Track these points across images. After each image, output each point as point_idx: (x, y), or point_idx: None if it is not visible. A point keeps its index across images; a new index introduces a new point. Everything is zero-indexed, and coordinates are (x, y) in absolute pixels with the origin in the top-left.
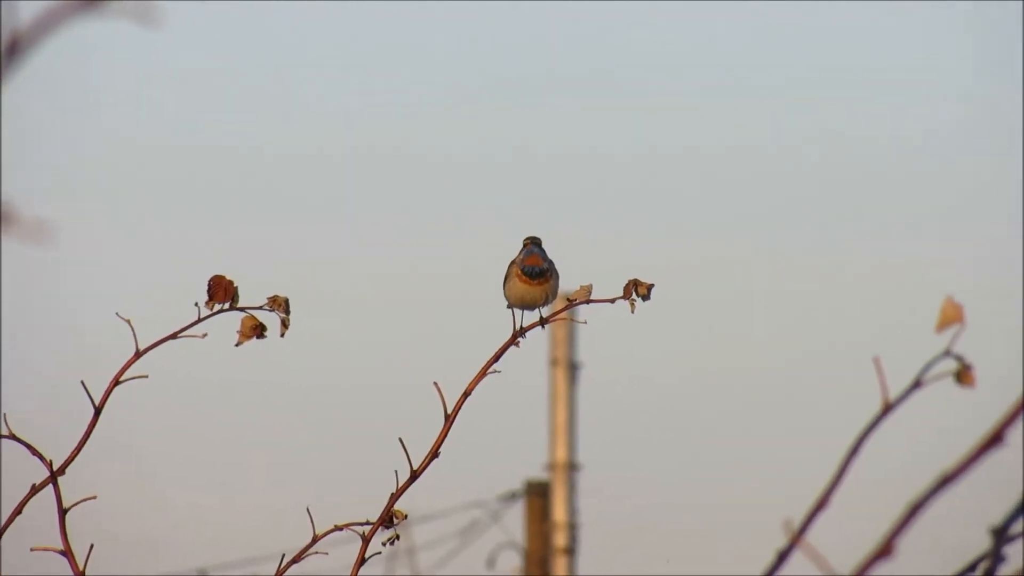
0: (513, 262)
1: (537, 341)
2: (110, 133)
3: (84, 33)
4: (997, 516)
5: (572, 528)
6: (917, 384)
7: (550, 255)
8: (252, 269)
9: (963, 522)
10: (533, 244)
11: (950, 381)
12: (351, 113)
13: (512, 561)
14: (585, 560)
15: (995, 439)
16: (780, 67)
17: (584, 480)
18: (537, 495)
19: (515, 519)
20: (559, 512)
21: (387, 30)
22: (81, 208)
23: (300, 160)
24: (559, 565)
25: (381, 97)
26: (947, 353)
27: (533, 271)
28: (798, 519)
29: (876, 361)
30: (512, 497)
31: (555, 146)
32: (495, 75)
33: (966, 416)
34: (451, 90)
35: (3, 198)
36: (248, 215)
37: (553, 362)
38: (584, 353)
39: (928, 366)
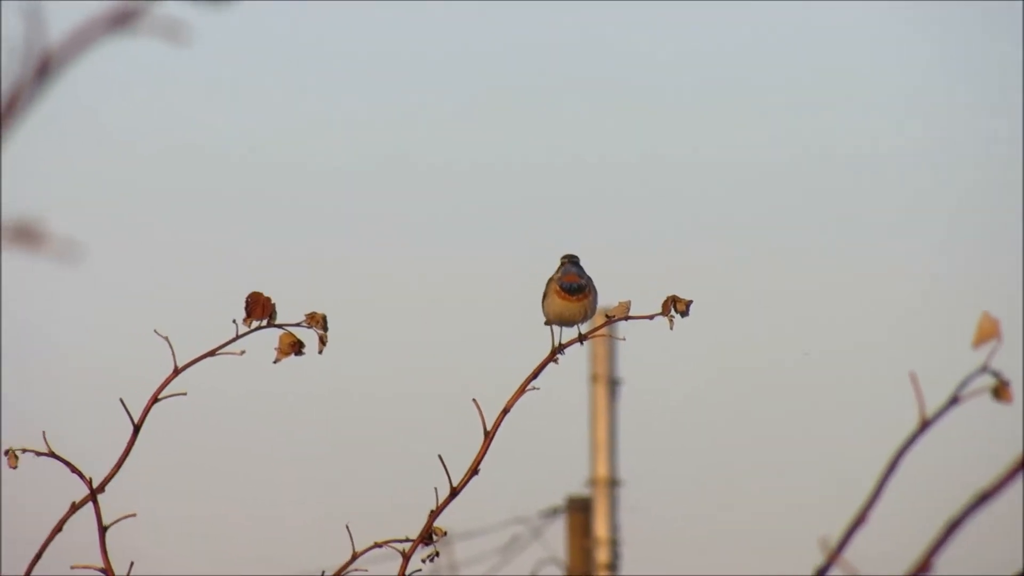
0: (551, 279)
1: (578, 357)
2: (114, 142)
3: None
4: None
5: (614, 544)
6: (955, 400)
7: (588, 271)
8: (287, 285)
9: (1002, 539)
10: (570, 262)
11: (987, 397)
12: (372, 119)
13: None
14: None
15: None
16: (797, 70)
17: (625, 496)
18: (579, 511)
19: (557, 535)
20: (601, 528)
21: (395, 34)
22: (89, 220)
23: (329, 171)
24: None
25: (404, 102)
26: (984, 369)
27: (571, 287)
28: (836, 536)
29: (912, 377)
30: (554, 513)
31: (588, 155)
32: (534, 82)
33: (1004, 432)
34: (486, 96)
35: (29, 215)
36: (287, 228)
37: (594, 378)
38: (625, 369)
39: (965, 382)
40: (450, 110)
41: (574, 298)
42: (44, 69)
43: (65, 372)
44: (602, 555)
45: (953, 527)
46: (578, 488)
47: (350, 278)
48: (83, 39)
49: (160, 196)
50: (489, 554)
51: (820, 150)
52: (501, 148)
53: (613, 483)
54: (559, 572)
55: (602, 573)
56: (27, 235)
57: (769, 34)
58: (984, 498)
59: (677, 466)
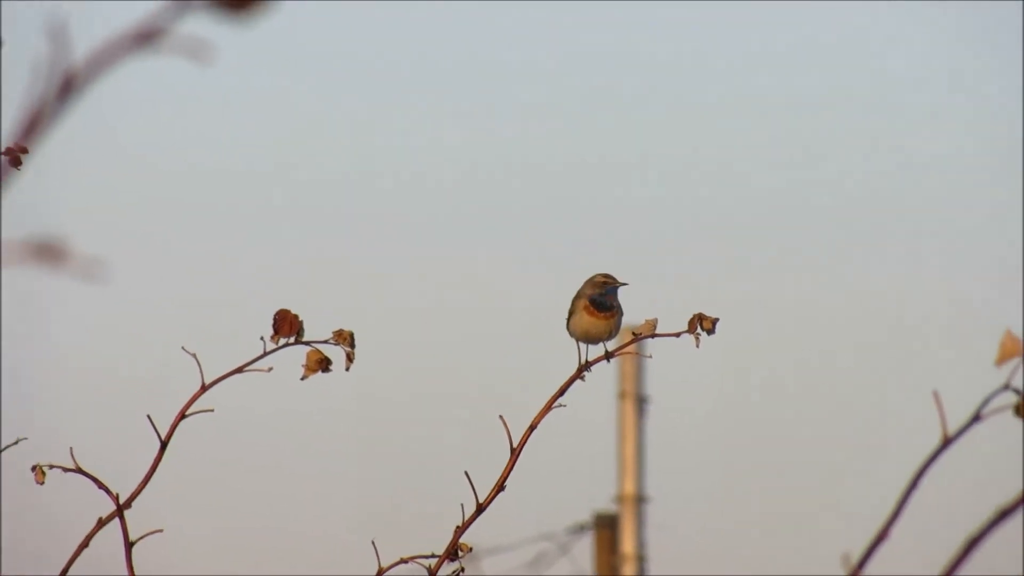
0: (580, 295)
1: (605, 375)
2: (129, 158)
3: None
4: None
5: (641, 561)
6: (976, 418)
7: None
8: (303, 304)
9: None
10: (617, 285)
11: (1010, 414)
12: (378, 123)
13: None
14: None
15: None
16: (827, 79)
17: (652, 513)
18: (606, 527)
19: (584, 551)
20: (628, 544)
21: (406, 42)
22: (116, 236)
23: (344, 196)
24: None
25: (414, 106)
26: (1007, 387)
27: (604, 303)
28: (858, 552)
29: (936, 395)
30: (581, 529)
31: (616, 180)
32: (584, 92)
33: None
34: (521, 113)
35: (53, 234)
36: (298, 247)
37: (621, 395)
38: (652, 387)
39: (988, 400)
40: (469, 112)
41: (603, 315)
42: (68, 87)
43: (92, 388)
44: (629, 571)
45: (973, 544)
46: (605, 505)
47: (378, 293)
48: (107, 57)
49: (184, 211)
50: (516, 570)
51: (862, 161)
52: (579, 151)
53: (640, 500)
54: None
55: None
56: (51, 253)
57: (795, 41)
58: (1004, 515)
59: (704, 483)
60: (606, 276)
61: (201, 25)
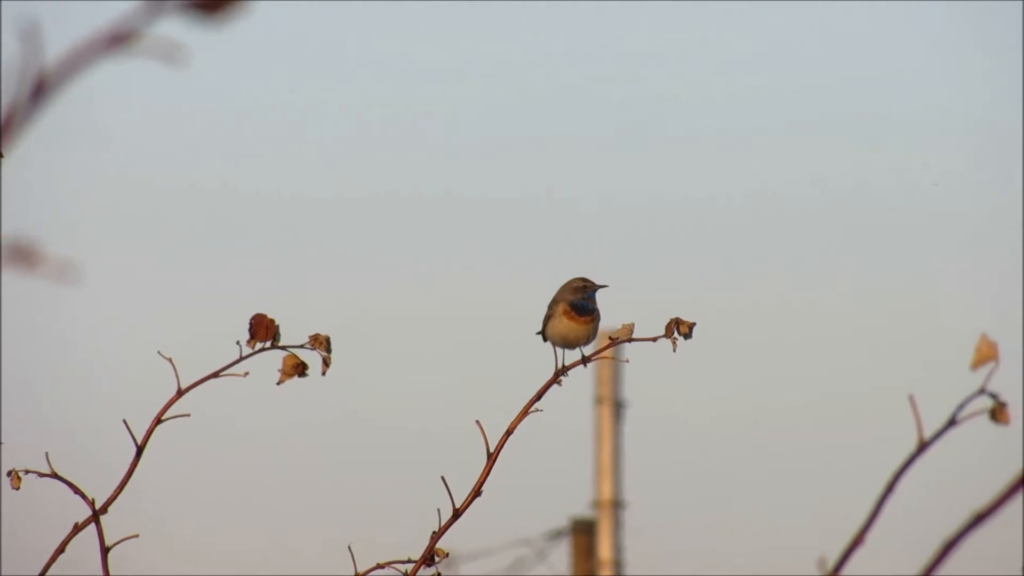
0: (556, 300)
1: (583, 380)
2: (116, 172)
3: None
4: None
5: (618, 565)
6: (952, 422)
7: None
8: (280, 309)
9: (998, 559)
10: (596, 288)
11: (985, 419)
12: (374, 154)
13: None
14: None
15: None
16: (805, 108)
17: (630, 518)
18: (583, 533)
19: (561, 557)
20: (605, 550)
21: (404, 57)
22: (93, 239)
23: (322, 203)
24: None
25: (405, 138)
26: (982, 391)
27: (584, 307)
28: (833, 556)
29: (911, 400)
30: (558, 535)
31: (586, 189)
32: (525, 117)
33: (1000, 453)
34: (482, 135)
35: (26, 236)
36: (273, 260)
37: (599, 400)
38: (630, 391)
39: (963, 404)
40: (451, 129)
41: (583, 320)
42: (40, 90)
43: (68, 393)
44: None
45: (949, 547)
46: (583, 510)
47: (351, 301)
48: (80, 60)
49: (160, 215)
50: (494, 575)
51: (819, 178)
52: (532, 186)
53: (617, 505)
54: None
55: None
56: (24, 255)
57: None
58: (980, 519)
59: (681, 488)
60: (585, 280)
61: (175, 27)
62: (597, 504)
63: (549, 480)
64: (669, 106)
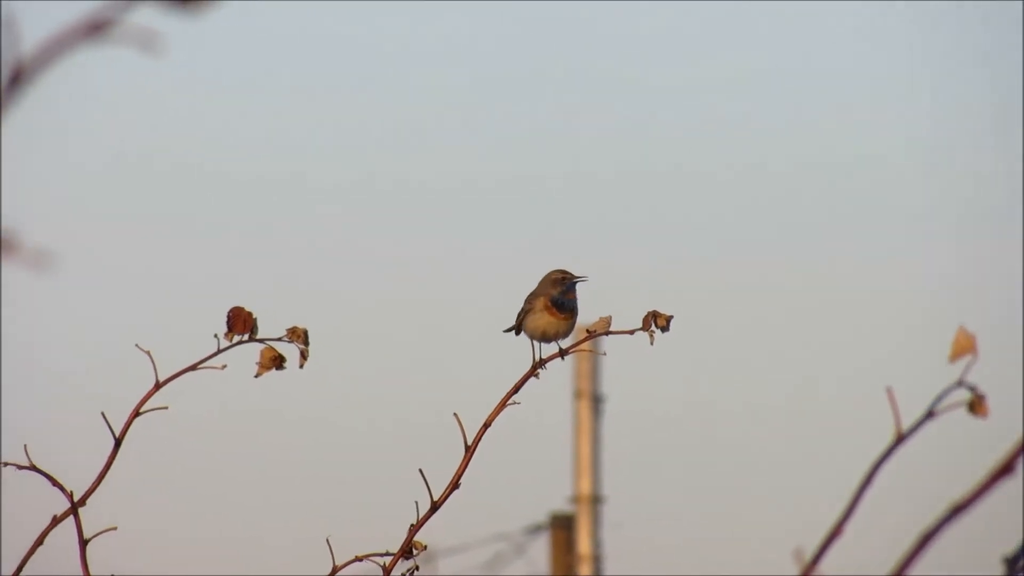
0: (536, 295)
1: (561, 374)
2: (90, 161)
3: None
4: (1010, 545)
5: (597, 560)
6: (930, 414)
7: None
8: (257, 301)
9: (975, 552)
10: (575, 280)
11: (963, 411)
12: (353, 140)
13: None
14: None
15: (1006, 469)
16: (783, 89)
17: (608, 513)
18: (562, 528)
19: (540, 552)
20: (584, 544)
21: (392, 47)
22: (70, 232)
23: (302, 188)
24: None
25: (381, 124)
26: (960, 383)
27: (565, 304)
28: (811, 548)
29: (889, 392)
30: (537, 530)
31: (563, 173)
32: (500, 99)
33: (977, 445)
34: (458, 122)
35: (3, 226)
36: (251, 245)
37: (577, 395)
38: (608, 386)
39: (941, 396)
40: (449, 134)
41: (563, 316)
42: (17, 78)
43: (47, 386)
44: (585, 571)
45: (927, 539)
46: (561, 505)
47: (326, 293)
48: (57, 47)
49: (139, 205)
50: (472, 571)
51: (802, 161)
52: (507, 172)
53: (596, 500)
54: None
55: None
56: (1, 244)
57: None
58: (958, 510)
59: (660, 483)
60: (564, 272)
61: (152, 16)
62: (576, 499)
63: (528, 475)
64: (635, 89)
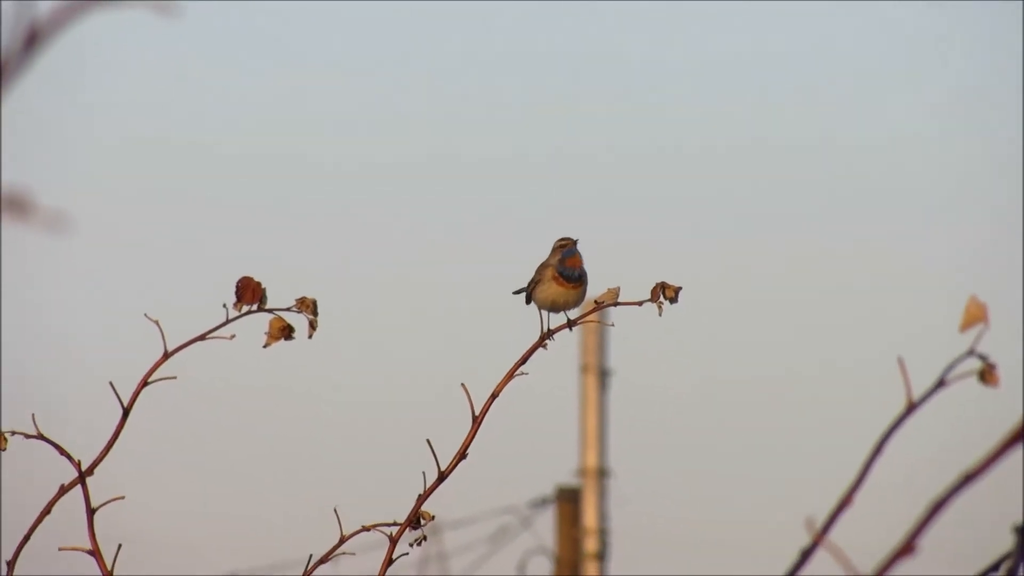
0: (545, 265)
1: (568, 347)
2: (100, 128)
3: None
4: (1020, 515)
5: (603, 534)
6: (941, 383)
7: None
8: (266, 273)
9: (986, 520)
10: (573, 245)
11: (973, 380)
12: (366, 119)
13: (543, 566)
14: (616, 565)
15: (1017, 437)
16: (787, 70)
17: (614, 486)
18: (568, 501)
19: (546, 525)
20: (590, 518)
21: (394, 34)
22: (80, 201)
23: (310, 168)
24: (590, 570)
25: (391, 103)
26: (971, 352)
27: (572, 274)
28: (821, 518)
29: (900, 361)
30: (543, 503)
31: (571, 150)
32: (510, 81)
33: (988, 414)
34: (462, 97)
35: (18, 187)
36: (261, 223)
37: (584, 368)
38: (615, 360)
39: (952, 365)
40: (458, 112)
41: (571, 285)
42: (32, 40)
43: (55, 355)
44: (591, 545)
45: (937, 508)
46: (567, 478)
47: (334, 266)
48: (72, 10)
49: (148, 180)
50: (478, 543)
51: (819, 143)
52: (520, 150)
53: (602, 473)
54: (548, 561)
55: (591, 563)
56: (16, 205)
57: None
58: (968, 479)
59: (667, 457)
60: (564, 239)
61: None
62: (582, 472)
63: (534, 448)
64: (634, 67)
